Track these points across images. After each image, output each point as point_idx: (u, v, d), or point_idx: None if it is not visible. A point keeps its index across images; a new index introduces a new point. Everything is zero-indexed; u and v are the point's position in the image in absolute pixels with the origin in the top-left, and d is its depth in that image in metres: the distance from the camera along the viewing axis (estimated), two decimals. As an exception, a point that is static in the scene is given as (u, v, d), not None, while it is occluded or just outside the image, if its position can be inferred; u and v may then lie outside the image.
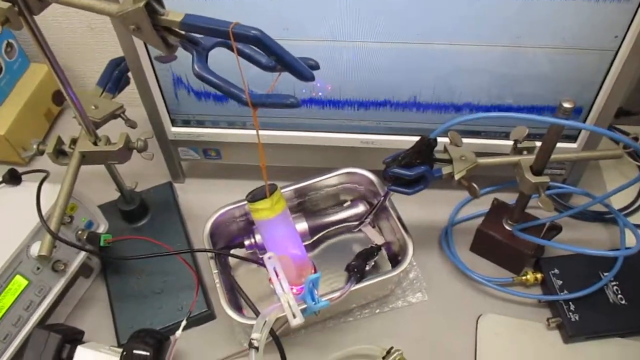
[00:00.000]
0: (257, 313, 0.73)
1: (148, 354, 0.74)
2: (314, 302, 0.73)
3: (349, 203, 0.94)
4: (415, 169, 0.74)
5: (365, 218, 0.88)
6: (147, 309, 0.86)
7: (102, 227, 0.88)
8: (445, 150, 0.79)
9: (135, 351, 0.74)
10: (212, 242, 0.85)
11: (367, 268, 0.84)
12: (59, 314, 0.86)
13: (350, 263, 0.83)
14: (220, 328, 0.87)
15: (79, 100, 0.74)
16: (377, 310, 0.86)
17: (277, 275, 0.73)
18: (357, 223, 0.91)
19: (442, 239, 0.94)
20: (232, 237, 0.90)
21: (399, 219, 0.84)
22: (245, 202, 0.82)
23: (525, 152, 0.78)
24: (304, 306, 0.74)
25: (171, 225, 0.96)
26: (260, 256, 0.88)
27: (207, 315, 0.87)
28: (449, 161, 0.78)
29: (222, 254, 0.82)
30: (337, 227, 0.92)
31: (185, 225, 0.97)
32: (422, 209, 0.96)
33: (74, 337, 0.81)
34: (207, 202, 0.90)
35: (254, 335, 0.69)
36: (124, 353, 0.74)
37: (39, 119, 1.12)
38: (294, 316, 0.70)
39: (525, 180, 0.75)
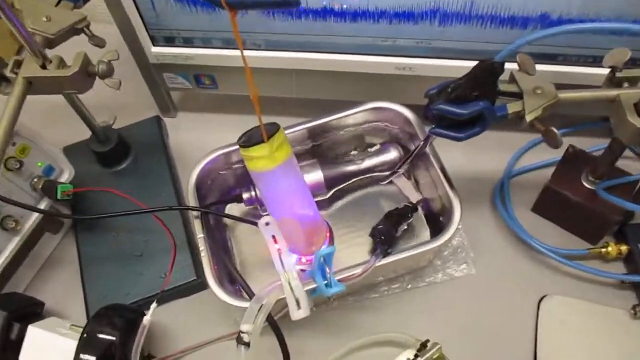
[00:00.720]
0: (250, 295, 0.56)
1: (114, 339, 0.58)
2: (325, 283, 0.55)
3: (377, 147, 0.74)
4: (471, 105, 0.53)
5: (398, 167, 0.68)
6: (125, 275, 0.70)
7: (65, 174, 0.71)
8: (513, 79, 0.57)
9: (99, 335, 0.58)
10: (201, 195, 0.67)
11: (398, 234, 0.64)
12: (19, 280, 0.71)
13: (376, 226, 0.64)
14: (213, 300, 0.69)
15: (8, 6, 0.54)
16: (409, 286, 0.68)
17: (277, 248, 0.55)
18: (387, 174, 0.71)
19: (496, 195, 0.73)
20: (227, 188, 0.72)
21: (443, 170, 0.64)
22: (242, 145, 0.62)
23: (626, 84, 0.56)
24: (312, 285, 0.56)
25: (158, 169, 0.78)
26: (264, 214, 0.69)
27: (197, 285, 0.70)
28: (518, 95, 0.56)
29: (209, 212, 0.63)
30: (361, 178, 0.73)
31: (174, 169, 0.79)
32: (469, 154, 0.75)
33: (31, 311, 0.66)
34: (202, 142, 0.71)
35: (244, 327, 0.52)
36: (84, 336, 0.58)
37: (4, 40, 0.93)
38: (298, 305, 0.52)
39: (625, 123, 0.53)
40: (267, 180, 0.57)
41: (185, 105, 0.88)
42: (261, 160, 0.55)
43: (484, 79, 0.54)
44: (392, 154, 0.72)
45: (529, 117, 0.54)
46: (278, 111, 0.73)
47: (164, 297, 0.69)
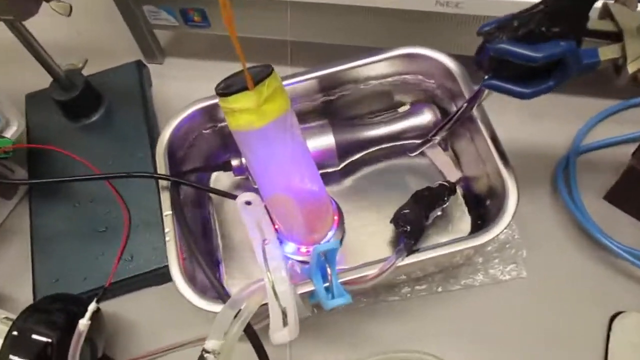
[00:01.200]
0: (223, 298, 0.41)
1: (49, 340, 0.45)
2: (326, 287, 0.40)
3: (407, 108, 0.58)
4: (548, 46, 0.37)
5: (434, 135, 0.51)
6: (83, 255, 0.57)
7: (13, 127, 0.57)
8: (607, 14, 0.40)
9: (32, 335, 0.45)
10: (176, 159, 0.52)
11: (429, 222, 0.49)
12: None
13: (400, 211, 0.48)
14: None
15: None
16: (440, 288, 0.53)
17: (261, 237, 0.40)
18: (418, 142, 0.54)
19: (558, 176, 0.57)
20: (213, 152, 0.57)
21: (495, 140, 0.48)
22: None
23: None
24: (308, 289, 0.41)
25: (135, 125, 0.64)
26: (255, 186, 0.54)
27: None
28: (614, 36, 0.39)
29: (177, 181, 0.48)
30: (383, 147, 0.56)
31: (154, 126, 0.65)
32: (526, 122, 0.59)
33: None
34: (192, 93, 0.56)
35: (209, 345, 0.38)
36: (14, 335, 0.45)
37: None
38: (284, 320, 0.37)
39: None
40: (254, 143, 0.42)
41: (173, 50, 0.73)
42: (245, 114, 0.40)
43: (570, 8, 0.37)
44: (426, 117, 0.55)
45: (631, 67, 0.37)
46: (282, 59, 0.57)
47: (129, 285, 0.56)
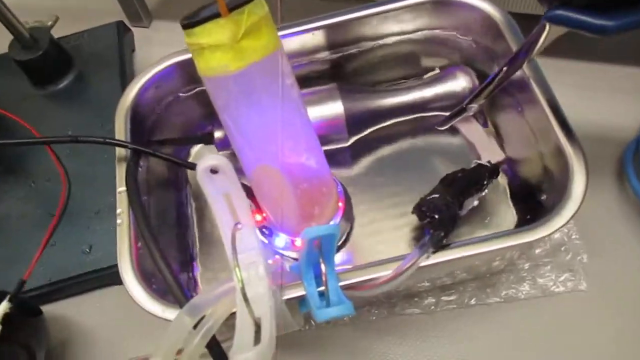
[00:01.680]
0: (180, 301, 0.30)
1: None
2: (319, 293, 0.29)
3: (436, 72, 0.46)
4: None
5: (470, 102, 0.39)
6: (29, 244, 0.46)
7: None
8: None
9: None
10: (145, 127, 0.42)
11: (463, 212, 0.37)
12: None
13: (426, 198, 0.36)
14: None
15: None
16: (473, 300, 0.41)
17: (232, 220, 0.29)
18: (448, 114, 0.43)
19: (627, 164, 0.45)
20: (193, 121, 0.46)
21: (556, 109, 0.36)
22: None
23: None
24: (297, 293, 0.30)
25: (109, 93, 0.54)
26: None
27: (137, 268, 0.44)
28: None
29: (139, 150, 0.37)
30: (405, 119, 0.45)
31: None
32: (587, 96, 0.47)
33: None
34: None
35: (150, 368, 0.26)
36: None
37: None
38: (255, 337, 0.26)
39: None
40: (230, 94, 0.31)
41: (161, 12, 0.63)
42: (218, 53, 0.30)
43: None
44: (460, 83, 0.44)
45: None
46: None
47: (85, 283, 0.45)
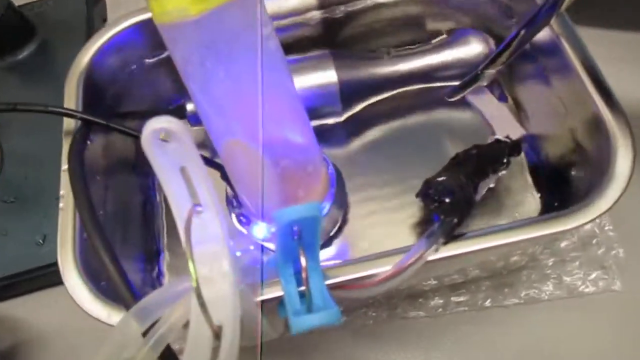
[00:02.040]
0: (127, 302, 0.24)
1: None
2: (300, 293, 0.23)
3: (443, 37, 0.40)
4: None
5: (486, 67, 0.33)
6: (-20, 234, 0.40)
7: None
8: None
9: None
10: (108, 97, 0.36)
11: (478, 197, 0.31)
12: None
13: (433, 180, 0.30)
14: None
15: None
16: (488, 301, 0.35)
17: (189, 201, 0.23)
18: (458, 84, 0.36)
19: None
20: (162, 93, 0.40)
21: (593, 71, 0.29)
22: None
23: None
24: (275, 294, 0.24)
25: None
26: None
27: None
28: None
29: (93, 122, 0.31)
30: (409, 89, 0.39)
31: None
32: (625, 70, 0.40)
33: None
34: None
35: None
36: None
37: None
38: (212, 354, 0.20)
39: None
40: (191, 46, 0.25)
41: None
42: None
43: None
44: (473, 48, 0.38)
45: None
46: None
47: (39, 279, 0.39)
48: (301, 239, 0.22)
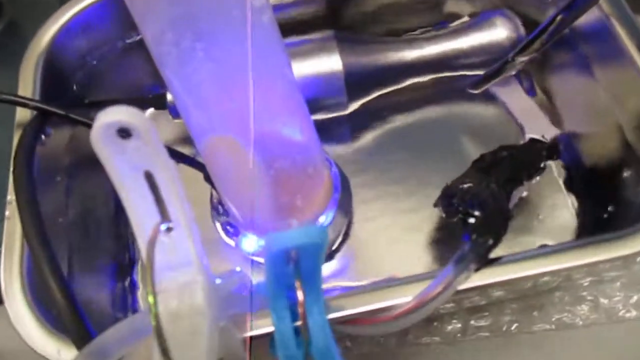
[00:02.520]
0: (78, 342, 0.19)
1: None
2: (294, 329, 0.18)
3: (464, 20, 0.35)
4: None
5: (517, 54, 0.28)
6: None
7: None
8: None
9: None
10: (74, 83, 0.31)
11: (511, 206, 0.26)
12: None
13: (458, 184, 0.25)
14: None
15: None
16: (515, 327, 0.30)
17: (157, 215, 0.17)
18: (485, 72, 0.31)
19: None
20: (140, 80, 0.35)
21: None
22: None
23: None
24: (264, 329, 0.19)
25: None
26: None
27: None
28: None
29: (49, 112, 0.26)
30: (424, 79, 0.34)
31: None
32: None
33: None
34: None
35: None
36: None
37: None
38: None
39: None
40: (161, 19, 0.20)
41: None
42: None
43: None
44: (499, 32, 0.32)
45: None
46: None
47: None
48: (299, 265, 0.17)
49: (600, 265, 0.21)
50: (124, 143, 0.17)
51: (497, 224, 0.21)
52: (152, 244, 0.17)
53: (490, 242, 0.20)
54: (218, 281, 0.19)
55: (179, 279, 0.18)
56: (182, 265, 0.18)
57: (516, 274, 0.20)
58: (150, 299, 0.16)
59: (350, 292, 0.21)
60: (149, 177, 0.18)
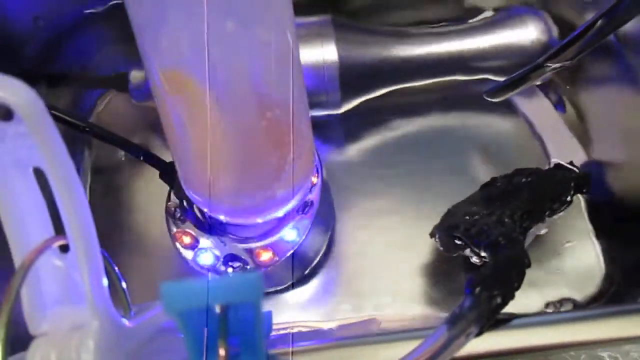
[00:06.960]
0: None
1: None
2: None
3: (488, 16, 0.30)
4: None
5: (550, 57, 0.23)
6: None
7: None
8: None
9: None
10: (26, 58, 0.26)
11: (527, 244, 0.21)
12: None
13: (458, 211, 0.20)
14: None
15: None
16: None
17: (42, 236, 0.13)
18: (506, 79, 0.26)
19: None
20: (108, 55, 0.30)
21: None
22: None
23: None
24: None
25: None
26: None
27: None
28: None
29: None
30: (433, 81, 0.29)
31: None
32: None
33: None
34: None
35: None
36: None
37: None
38: None
39: None
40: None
41: None
42: None
43: None
44: (529, 33, 0.27)
45: None
46: None
47: None
48: (225, 321, 0.12)
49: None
50: (3, 126, 0.12)
51: (509, 276, 0.16)
52: (24, 266, 0.12)
53: (499, 300, 0.15)
54: (125, 322, 0.14)
55: (72, 318, 0.13)
56: (73, 299, 0.13)
57: (527, 343, 0.15)
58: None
59: (313, 346, 0.16)
60: (39, 175, 0.13)
